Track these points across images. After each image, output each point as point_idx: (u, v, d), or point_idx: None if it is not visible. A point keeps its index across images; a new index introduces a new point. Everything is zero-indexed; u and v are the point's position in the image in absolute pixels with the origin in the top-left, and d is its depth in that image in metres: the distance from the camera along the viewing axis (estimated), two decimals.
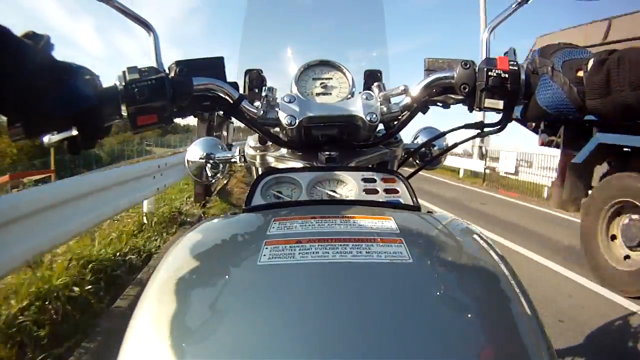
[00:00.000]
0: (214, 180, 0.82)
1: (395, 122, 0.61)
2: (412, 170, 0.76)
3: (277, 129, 0.60)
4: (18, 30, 0.35)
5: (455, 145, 0.71)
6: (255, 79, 0.68)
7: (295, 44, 0.77)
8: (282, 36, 0.80)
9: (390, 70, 0.75)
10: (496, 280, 0.37)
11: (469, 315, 0.30)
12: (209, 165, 0.79)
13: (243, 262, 0.36)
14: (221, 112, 0.55)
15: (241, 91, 0.67)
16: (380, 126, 0.65)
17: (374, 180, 0.56)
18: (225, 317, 0.29)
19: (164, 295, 0.34)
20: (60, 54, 0.39)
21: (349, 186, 0.56)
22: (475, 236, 0.45)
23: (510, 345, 0.30)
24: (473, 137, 0.61)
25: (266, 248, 0.36)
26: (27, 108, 0.37)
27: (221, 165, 0.80)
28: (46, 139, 0.43)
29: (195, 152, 0.78)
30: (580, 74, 0.43)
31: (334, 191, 0.56)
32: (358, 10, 0.84)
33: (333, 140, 0.62)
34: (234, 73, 0.70)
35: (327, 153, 0.61)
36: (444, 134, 0.72)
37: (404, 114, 0.59)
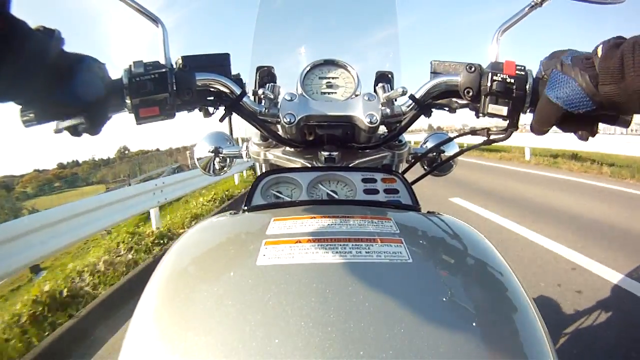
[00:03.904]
0: (221, 174, 0.84)
1: (398, 125, 0.60)
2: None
3: (279, 127, 0.61)
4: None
5: (462, 151, 0.69)
6: (266, 76, 0.69)
7: (307, 43, 0.78)
8: (294, 35, 0.80)
9: (403, 72, 0.74)
10: (496, 280, 0.37)
11: (469, 315, 0.30)
12: (217, 159, 0.81)
13: (242, 262, 0.36)
14: (223, 107, 0.56)
15: (252, 88, 0.68)
16: (384, 128, 0.65)
17: (374, 181, 0.56)
18: (224, 318, 0.29)
19: (164, 295, 0.35)
20: (70, 47, 0.41)
21: (349, 186, 0.56)
22: (475, 236, 0.44)
23: (510, 345, 0.29)
24: (480, 145, 0.59)
25: (265, 248, 0.36)
26: (40, 97, 0.39)
27: (228, 160, 0.82)
28: (54, 126, 0.46)
29: (204, 146, 0.81)
30: (590, 61, 0.41)
31: (334, 191, 0.56)
32: (371, 13, 0.83)
33: (334, 140, 0.62)
34: (247, 69, 0.72)
35: (327, 153, 0.61)
36: (451, 139, 0.70)
37: (406, 116, 0.58)
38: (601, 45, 0.40)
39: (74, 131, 0.44)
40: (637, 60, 0.36)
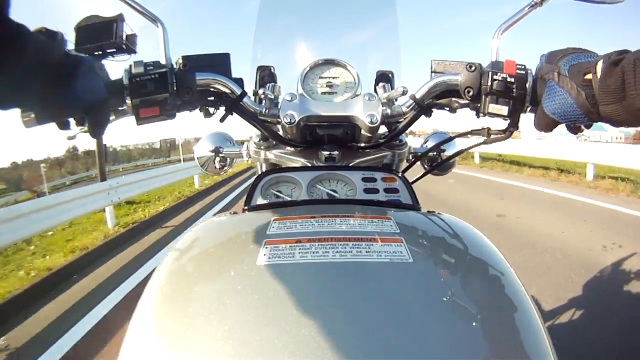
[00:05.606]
0: (221, 173, 0.85)
1: (398, 125, 0.60)
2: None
3: (279, 127, 0.61)
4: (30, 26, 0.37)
5: (462, 151, 0.69)
6: (267, 75, 0.69)
7: (308, 43, 0.77)
8: (294, 34, 0.80)
9: (403, 71, 0.74)
10: (496, 279, 0.37)
11: (469, 315, 0.30)
12: (217, 158, 0.82)
13: (242, 262, 0.36)
14: (223, 108, 0.56)
15: (252, 87, 0.68)
16: (384, 128, 0.65)
17: (374, 180, 0.56)
18: (224, 318, 0.29)
19: (164, 295, 0.35)
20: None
21: (349, 185, 0.56)
22: (475, 235, 0.44)
23: (510, 344, 0.29)
24: (479, 144, 0.59)
25: (266, 248, 0.36)
26: (42, 100, 0.39)
27: (228, 159, 0.82)
28: (66, 135, 0.47)
29: (204, 145, 0.81)
30: (589, 76, 0.40)
31: (334, 190, 0.56)
32: (371, 12, 0.83)
33: (334, 140, 0.62)
34: (247, 69, 0.71)
35: (327, 152, 0.61)
36: (451, 138, 0.70)
37: (406, 116, 0.58)
38: (601, 62, 0.38)
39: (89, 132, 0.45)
40: (638, 77, 0.35)
